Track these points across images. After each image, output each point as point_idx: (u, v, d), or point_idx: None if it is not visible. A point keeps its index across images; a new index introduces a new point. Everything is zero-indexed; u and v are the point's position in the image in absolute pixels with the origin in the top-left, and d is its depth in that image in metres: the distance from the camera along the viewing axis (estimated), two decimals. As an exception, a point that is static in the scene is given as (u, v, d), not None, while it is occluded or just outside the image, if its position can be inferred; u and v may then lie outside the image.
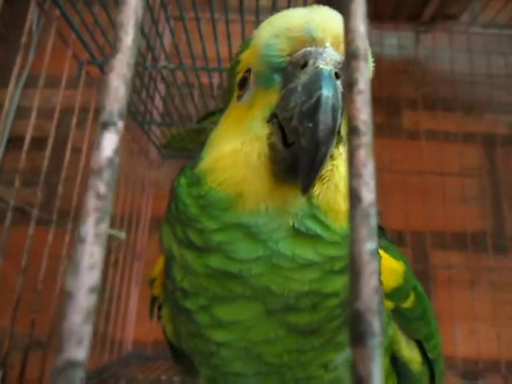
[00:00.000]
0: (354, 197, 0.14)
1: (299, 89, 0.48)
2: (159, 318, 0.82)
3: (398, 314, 0.69)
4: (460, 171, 2.01)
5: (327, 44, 0.49)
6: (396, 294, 0.68)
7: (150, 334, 1.72)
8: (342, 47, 0.49)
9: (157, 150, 1.90)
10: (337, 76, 0.48)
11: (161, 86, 1.67)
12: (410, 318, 0.70)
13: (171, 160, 1.93)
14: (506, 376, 1.73)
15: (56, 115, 1.21)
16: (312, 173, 0.46)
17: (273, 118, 0.52)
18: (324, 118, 0.45)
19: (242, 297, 0.55)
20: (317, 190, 0.51)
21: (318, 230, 0.52)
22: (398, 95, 2.15)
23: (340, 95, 0.47)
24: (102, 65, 1.23)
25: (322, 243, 0.52)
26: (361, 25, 0.15)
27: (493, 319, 1.79)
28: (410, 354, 0.73)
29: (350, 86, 0.15)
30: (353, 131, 0.15)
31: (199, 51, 1.32)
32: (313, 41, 0.50)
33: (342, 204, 0.52)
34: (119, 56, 0.15)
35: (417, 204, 1.93)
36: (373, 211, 0.14)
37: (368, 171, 0.14)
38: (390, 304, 0.68)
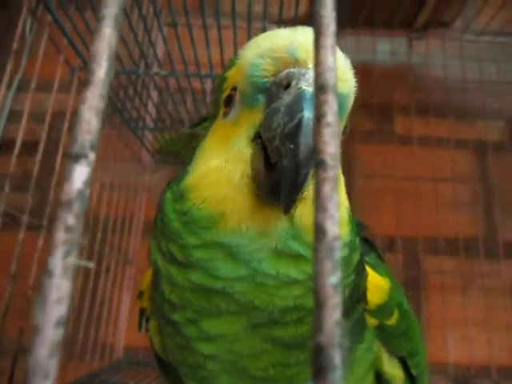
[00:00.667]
0: (318, 230, 0.15)
1: (282, 109, 0.48)
2: (147, 330, 0.82)
3: (381, 331, 0.69)
4: (452, 177, 2.02)
5: (310, 65, 0.49)
6: (380, 311, 0.68)
7: (142, 340, 1.70)
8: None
9: (150, 155, 1.90)
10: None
11: (154, 93, 1.67)
12: (393, 335, 0.70)
13: (164, 165, 1.93)
14: (497, 382, 1.74)
15: (47, 119, 1.21)
16: (293, 194, 0.47)
17: (256, 137, 0.53)
18: (305, 139, 0.45)
19: (227, 311, 0.55)
20: (299, 210, 0.52)
21: (301, 249, 0.52)
22: (391, 101, 2.16)
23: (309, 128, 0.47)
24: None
25: (305, 261, 0.53)
26: (330, 57, 0.15)
27: (484, 325, 1.80)
28: (392, 370, 0.73)
29: (318, 119, 0.15)
30: (319, 165, 0.15)
31: (191, 57, 1.32)
32: (296, 62, 0.50)
33: None
34: (91, 89, 0.15)
35: (409, 210, 1.93)
36: (337, 245, 0.14)
37: (333, 204, 0.15)
38: (374, 321, 0.68)
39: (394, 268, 1.91)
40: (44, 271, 0.14)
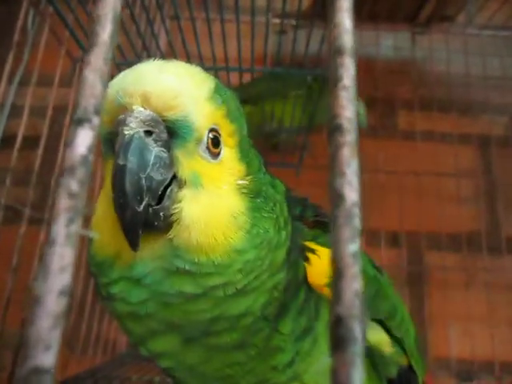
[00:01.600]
0: (336, 196, 0.14)
1: (117, 160, 0.52)
2: None
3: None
4: (455, 172, 2.01)
5: (134, 107, 0.52)
6: None
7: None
8: (154, 101, 0.53)
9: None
10: (149, 132, 0.52)
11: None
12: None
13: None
14: (500, 377, 1.73)
15: (49, 113, 1.20)
16: (128, 234, 0.52)
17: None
18: (120, 185, 0.50)
19: (159, 331, 0.59)
20: (175, 231, 0.55)
21: (187, 266, 0.55)
22: (394, 96, 2.15)
23: (148, 152, 0.52)
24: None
25: (200, 276, 0.56)
26: (346, 20, 0.14)
27: (487, 320, 1.79)
28: (374, 337, 0.74)
29: (334, 82, 0.14)
30: (336, 129, 0.14)
31: (194, 51, 1.31)
32: (122, 108, 0.53)
33: (204, 237, 0.55)
34: (95, 50, 0.14)
35: (412, 205, 1.92)
36: (356, 211, 0.14)
37: (352, 170, 0.14)
38: (326, 303, 0.70)
39: (397, 263, 1.90)
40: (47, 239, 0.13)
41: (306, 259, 0.68)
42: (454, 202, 1.97)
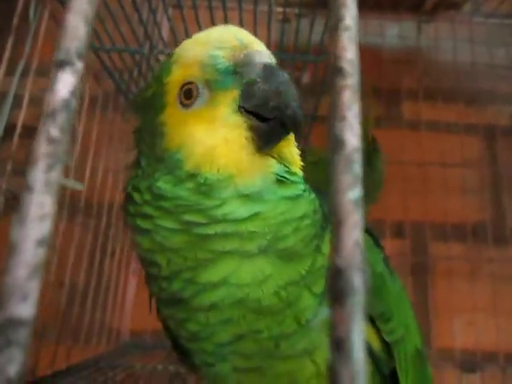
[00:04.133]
0: (336, 141, 0.13)
1: (258, 79, 0.63)
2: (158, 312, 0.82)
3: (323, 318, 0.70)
4: (461, 162, 1.99)
5: (256, 48, 0.66)
6: None
7: (148, 324, 1.71)
8: (256, 47, 0.66)
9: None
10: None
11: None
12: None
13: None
14: (505, 367, 1.73)
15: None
16: (296, 120, 0.62)
17: (240, 109, 0.65)
18: (287, 88, 0.62)
19: (224, 253, 0.65)
20: (278, 150, 0.67)
21: (291, 178, 0.67)
22: (399, 86, 2.12)
23: (285, 74, 0.64)
24: (98, 50, 1.21)
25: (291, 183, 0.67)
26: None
27: (492, 311, 1.78)
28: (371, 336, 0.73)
29: (335, 23, 0.14)
30: (337, 72, 0.13)
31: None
32: (246, 47, 0.65)
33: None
34: (79, -8, 0.13)
35: (417, 195, 1.91)
36: (357, 157, 0.13)
37: (353, 114, 0.13)
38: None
39: (401, 253, 1.89)
40: (24, 187, 0.12)
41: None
42: (459, 192, 1.96)
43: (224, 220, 0.64)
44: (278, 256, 0.65)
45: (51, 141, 0.12)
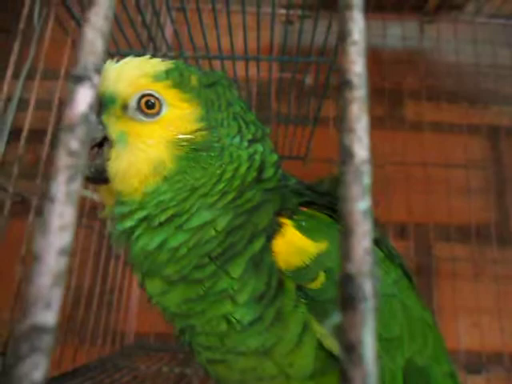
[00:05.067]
0: (345, 153, 0.13)
1: None
2: None
3: (306, 296, 0.71)
4: (464, 163, 1.99)
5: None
6: (298, 274, 0.71)
7: (153, 326, 1.72)
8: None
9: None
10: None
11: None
12: (319, 301, 0.71)
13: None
14: (510, 368, 1.72)
15: (55, 105, 1.20)
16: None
17: None
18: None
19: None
20: (111, 183, 0.72)
21: (123, 209, 0.71)
22: (402, 86, 2.12)
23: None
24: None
25: (128, 213, 0.71)
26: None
27: (496, 312, 1.78)
28: (331, 342, 0.72)
29: (343, 37, 0.14)
30: (345, 85, 0.14)
31: (201, 43, 1.31)
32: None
33: (124, 184, 0.71)
34: (95, 8, 0.14)
35: (420, 196, 1.91)
36: (366, 168, 0.13)
37: (361, 126, 0.13)
38: (290, 283, 0.72)
39: (405, 254, 1.89)
40: (46, 198, 0.13)
41: (275, 230, 0.74)
42: (462, 193, 1.95)
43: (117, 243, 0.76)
44: (166, 281, 0.73)
45: (71, 153, 0.13)
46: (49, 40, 1.18)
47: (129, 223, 0.71)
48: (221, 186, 0.73)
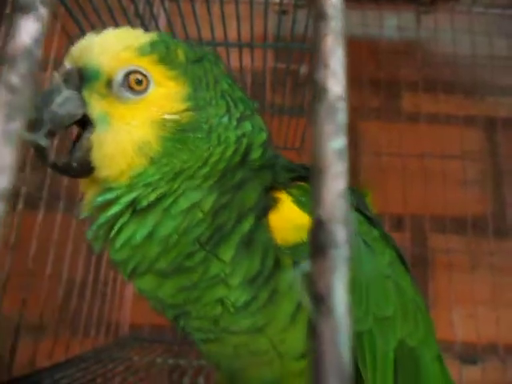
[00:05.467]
0: (318, 89, 0.12)
1: None
2: None
3: (298, 273, 0.69)
4: (461, 154, 1.98)
5: (64, 65, 0.69)
6: (296, 250, 0.69)
7: (147, 318, 1.71)
8: (74, 57, 0.68)
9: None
10: (65, 80, 0.67)
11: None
12: None
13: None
14: (504, 359, 1.72)
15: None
16: (39, 155, 0.67)
17: None
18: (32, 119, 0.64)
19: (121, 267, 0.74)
20: (94, 173, 0.69)
21: (107, 196, 0.68)
22: (398, 77, 2.11)
23: (54, 93, 0.66)
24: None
25: (116, 198, 0.68)
26: None
27: (492, 303, 1.77)
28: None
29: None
30: (319, 17, 0.12)
31: (194, 34, 1.29)
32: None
33: (110, 169, 0.68)
34: None
35: (416, 188, 1.90)
36: (341, 105, 0.12)
37: (337, 60, 0.12)
38: (287, 259, 0.70)
39: (401, 246, 1.88)
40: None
41: (269, 206, 0.72)
42: (459, 184, 1.95)
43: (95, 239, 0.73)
44: (158, 275, 0.71)
45: (11, 90, 0.11)
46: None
47: (115, 209, 0.68)
48: (206, 169, 0.71)
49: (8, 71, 0.12)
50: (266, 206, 0.71)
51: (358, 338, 0.73)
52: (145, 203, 0.68)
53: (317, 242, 0.11)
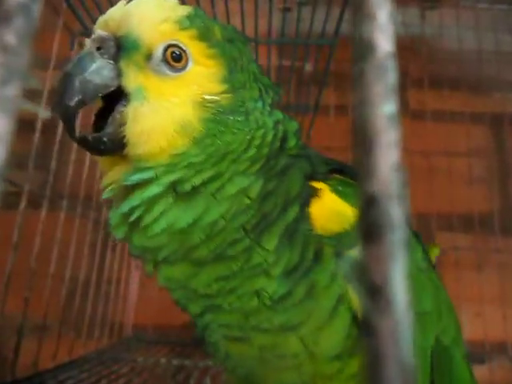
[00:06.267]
0: (364, 46, 0.10)
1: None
2: None
3: (346, 263, 0.67)
4: (467, 151, 1.96)
5: (95, 31, 0.63)
6: (338, 240, 0.66)
7: (151, 318, 1.69)
8: (110, 24, 0.63)
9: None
10: (99, 48, 0.62)
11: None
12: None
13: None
14: (513, 358, 1.70)
15: (45, 95, 1.17)
16: (65, 126, 0.62)
17: None
18: (58, 85, 0.61)
19: (147, 255, 0.69)
20: (126, 150, 0.63)
21: (144, 175, 0.62)
22: (404, 74, 2.09)
23: (89, 61, 0.61)
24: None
25: (155, 179, 0.63)
26: None
27: (500, 301, 1.75)
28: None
29: None
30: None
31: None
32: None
33: (148, 146, 0.62)
34: None
35: (422, 185, 1.88)
36: (391, 64, 0.10)
37: (385, 13, 0.10)
38: (329, 249, 0.67)
39: (407, 244, 1.86)
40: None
41: (310, 195, 0.69)
42: (465, 182, 1.93)
43: (120, 224, 0.67)
44: (194, 264, 0.66)
45: (6, 49, 0.10)
46: (44, 28, 1.14)
47: (154, 189, 0.62)
48: (251, 152, 0.67)
49: (2, 29, 0.10)
50: (308, 195, 0.68)
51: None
52: (189, 186, 0.63)
53: (369, 224, 0.09)
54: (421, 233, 1.84)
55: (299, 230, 0.67)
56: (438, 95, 2.05)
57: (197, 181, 0.63)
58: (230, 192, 0.64)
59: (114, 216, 0.65)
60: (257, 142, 0.67)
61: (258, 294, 0.66)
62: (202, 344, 0.79)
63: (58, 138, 1.26)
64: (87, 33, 1.14)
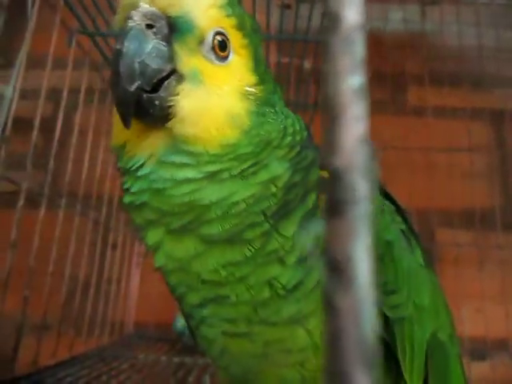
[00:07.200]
0: (331, 18, 0.10)
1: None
2: None
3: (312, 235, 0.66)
4: (467, 147, 1.95)
5: (141, 4, 0.58)
6: None
7: (152, 316, 1.70)
8: (161, 2, 0.58)
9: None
10: (150, 26, 0.57)
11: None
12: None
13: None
14: (515, 355, 1.70)
15: (43, 94, 1.17)
16: (120, 112, 0.58)
17: None
18: (115, 66, 0.56)
19: (153, 222, 0.63)
20: (168, 124, 0.59)
21: (184, 159, 0.60)
22: (404, 71, 2.08)
23: (145, 41, 0.57)
24: (93, 35, 1.18)
25: (194, 165, 0.60)
26: None
27: (501, 297, 1.75)
28: None
29: None
30: None
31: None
32: (133, 6, 0.58)
33: (199, 130, 0.59)
34: None
35: (423, 181, 1.88)
36: (359, 36, 0.10)
37: (352, -16, 0.10)
38: None
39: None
40: None
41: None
42: (466, 178, 1.92)
43: (145, 190, 0.62)
44: (203, 241, 0.63)
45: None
46: (41, 29, 1.14)
47: (191, 173, 0.60)
48: (287, 139, 0.66)
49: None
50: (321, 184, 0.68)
51: (399, 324, 0.70)
52: (227, 175, 0.61)
53: (333, 198, 0.09)
54: (421, 229, 1.85)
55: (315, 217, 0.66)
56: (438, 92, 2.04)
57: (236, 171, 0.61)
58: (261, 178, 0.63)
59: (141, 182, 0.62)
60: (290, 130, 0.67)
61: (270, 283, 0.64)
62: (193, 339, 0.77)
63: (57, 136, 1.26)
64: (85, 31, 1.14)
